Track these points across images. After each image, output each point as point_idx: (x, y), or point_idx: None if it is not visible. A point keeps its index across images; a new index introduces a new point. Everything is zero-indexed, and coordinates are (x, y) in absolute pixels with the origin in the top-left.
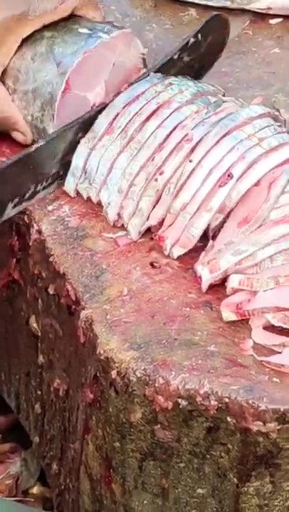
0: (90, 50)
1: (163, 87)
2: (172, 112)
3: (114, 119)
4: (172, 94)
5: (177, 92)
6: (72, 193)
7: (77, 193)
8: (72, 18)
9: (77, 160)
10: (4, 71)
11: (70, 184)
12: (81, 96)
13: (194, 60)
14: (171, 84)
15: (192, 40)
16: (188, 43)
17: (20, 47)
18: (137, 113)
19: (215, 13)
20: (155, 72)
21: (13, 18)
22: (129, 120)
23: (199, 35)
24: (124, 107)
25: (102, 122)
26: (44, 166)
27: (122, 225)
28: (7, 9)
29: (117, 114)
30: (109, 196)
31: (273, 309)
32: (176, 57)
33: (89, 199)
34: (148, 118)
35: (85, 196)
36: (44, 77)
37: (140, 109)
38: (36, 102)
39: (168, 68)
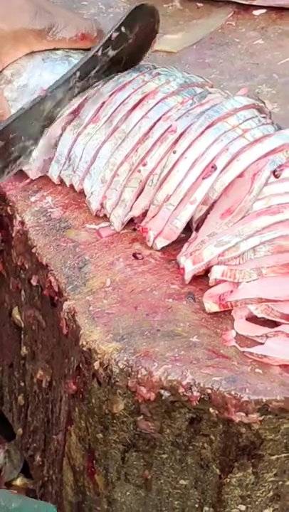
0: None
1: (150, 76)
2: (157, 103)
3: (100, 107)
4: (159, 84)
5: (164, 82)
6: (56, 180)
7: (61, 181)
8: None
9: (62, 147)
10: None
11: (53, 171)
12: None
13: (121, 54)
14: (158, 74)
15: (115, 33)
16: (110, 37)
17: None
18: (122, 102)
19: (142, 2)
20: (78, 70)
21: (32, 32)
22: (115, 109)
23: (123, 28)
24: (110, 96)
25: (88, 110)
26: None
27: (105, 216)
28: (30, 22)
29: (104, 103)
30: (92, 185)
31: (256, 300)
32: (99, 53)
33: (72, 187)
34: (133, 108)
35: (67, 183)
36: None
37: (126, 98)
38: (32, 96)
39: (92, 66)
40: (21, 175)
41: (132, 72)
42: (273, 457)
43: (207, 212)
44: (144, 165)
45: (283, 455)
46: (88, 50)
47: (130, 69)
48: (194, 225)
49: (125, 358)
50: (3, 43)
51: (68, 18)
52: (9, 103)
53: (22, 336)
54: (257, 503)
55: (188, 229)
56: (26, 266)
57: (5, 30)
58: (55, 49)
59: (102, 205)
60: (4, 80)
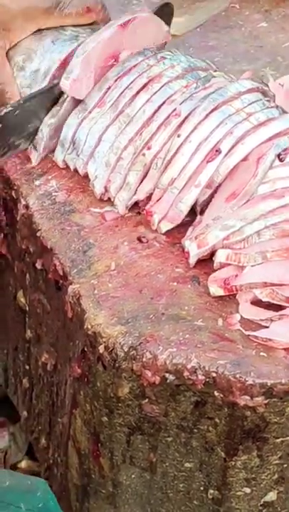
0: None
1: (155, 60)
2: (162, 87)
3: (106, 92)
4: (163, 68)
5: (169, 66)
6: (61, 164)
7: (66, 164)
8: (94, 23)
9: (67, 131)
10: (14, 48)
11: (58, 155)
12: None
13: None
14: (163, 58)
15: None
16: None
17: (39, 32)
18: (127, 86)
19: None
20: None
21: (40, 9)
22: (120, 93)
23: None
24: (116, 80)
25: (94, 95)
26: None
27: (109, 200)
28: (37, 0)
29: (109, 88)
30: (97, 169)
31: (261, 284)
32: None
33: (76, 171)
34: (138, 92)
35: (72, 167)
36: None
37: (131, 82)
38: (44, 81)
39: None
40: (24, 156)
41: (137, 56)
42: (278, 440)
43: (212, 196)
44: (149, 148)
45: (288, 438)
46: (93, 23)
47: (135, 53)
48: (199, 209)
49: (130, 342)
50: (12, 21)
51: None
52: (23, 90)
53: (27, 319)
54: (262, 485)
55: (193, 212)
56: (31, 249)
57: (13, 9)
58: (62, 27)
59: (106, 189)
60: (16, 66)
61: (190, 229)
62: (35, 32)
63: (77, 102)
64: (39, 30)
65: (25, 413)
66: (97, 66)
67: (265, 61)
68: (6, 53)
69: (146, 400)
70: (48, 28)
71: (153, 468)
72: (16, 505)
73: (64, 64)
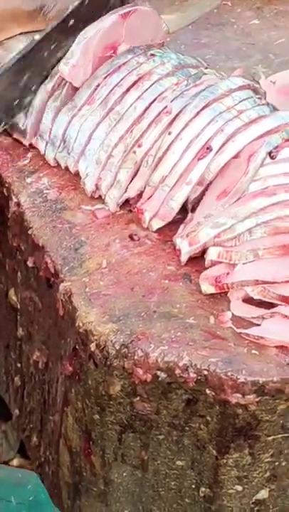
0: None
1: (145, 58)
2: (152, 84)
3: (95, 89)
4: (154, 65)
5: (159, 63)
6: (52, 162)
7: (57, 163)
8: None
9: (57, 129)
10: None
11: (49, 153)
12: None
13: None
14: (153, 55)
15: None
16: None
17: (23, 34)
18: (117, 84)
19: None
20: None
21: (24, 13)
22: (110, 91)
23: None
24: (105, 78)
25: (83, 92)
26: None
27: (101, 197)
28: (22, 3)
29: (98, 85)
30: (87, 167)
31: (252, 282)
32: None
33: (67, 169)
34: (128, 89)
35: (62, 165)
36: None
37: (121, 80)
38: None
39: None
40: (15, 154)
41: (127, 54)
42: (270, 438)
43: (203, 193)
44: (140, 146)
45: (280, 436)
46: None
47: (125, 51)
48: (190, 206)
49: (122, 340)
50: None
51: None
52: None
53: (18, 317)
54: (253, 483)
55: (184, 210)
56: (22, 247)
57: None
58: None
59: (97, 187)
60: None
61: (181, 226)
62: (19, 34)
63: (74, 89)
64: (23, 33)
65: (16, 411)
66: (96, 55)
67: (257, 58)
68: None
69: (138, 398)
70: (32, 31)
71: (144, 466)
72: (7, 500)
73: None
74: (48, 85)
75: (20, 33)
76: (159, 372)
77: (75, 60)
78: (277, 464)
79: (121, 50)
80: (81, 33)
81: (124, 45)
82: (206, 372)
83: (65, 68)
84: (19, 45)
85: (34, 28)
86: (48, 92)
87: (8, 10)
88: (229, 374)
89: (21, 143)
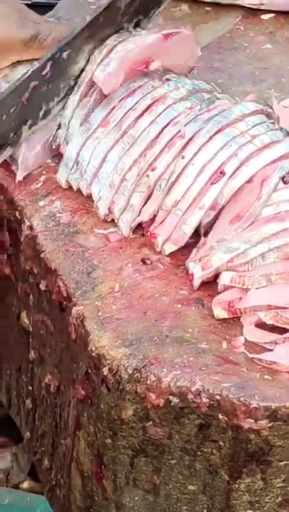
0: None
1: (160, 82)
2: (166, 108)
3: (110, 112)
4: (168, 90)
5: (173, 88)
6: (64, 184)
7: (69, 185)
8: None
9: (71, 150)
10: None
11: (62, 174)
12: None
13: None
14: (168, 80)
15: None
16: None
17: (18, 63)
18: (132, 107)
19: None
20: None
21: (19, 41)
22: (124, 114)
23: None
24: (120, 101)
25: (98, 114)
26: None
27: (113, 221)
28: (17, 31)
29: (113, 108)
30: (100, 190)
31: (265, 307)
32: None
33: (79, 191)
34: (142, 113)
35: (75, 188)
36: None
37: (135, 103)
38: None
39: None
40: (28, 177)
41: (142, 77)
42: (282, 463)
43: (215, 218)
44: (153, 170)
45: None
46: None
47: (140, 75)
48: (203, 231)
49: (134, 364)
50: (13, 47)
51: (51, 26)
52: None
53: (30, 340)
54: (265, 508)
55: (197, 234)
56: (35, 270)
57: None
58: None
59: (110, 210)
60: None
61: (194, 251)
62: (14, 63)
63: (103, 96)
64: (18, 62)
65: (28, 434)
66: (129, 67)
67: (270, 83)
68: None
69: (150, 423)
70: (27, 60)
71: (156, 491)
72: None
73: None
74: (76, 96)
75: (17, 62)
76: (171, 397)
77: (111, 69)
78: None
79: (153, 66)
80: (120, 44)
81: (158, 62)
82: (218, 398)
83: (101, 75)
84: (15, 74)
85: (30, 57)
86: (76, 101)
87: (3, 39)
88: (242, 399)
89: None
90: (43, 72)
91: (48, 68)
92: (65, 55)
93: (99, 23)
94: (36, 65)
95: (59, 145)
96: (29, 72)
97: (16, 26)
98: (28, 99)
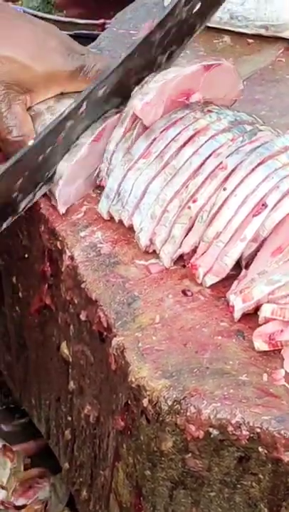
0: None
1: (201, 113)
2: (208, 140)
3: (151, 143)
4: (210, 121)
5: (215, 119)
6: (105, 215)
7: (110, 216)
8: None
9: (112, 182)
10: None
11: (103, 206)
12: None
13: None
14: (210, 111)
15: None
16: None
17: (62, 95)
18: (173, 138)
19: None
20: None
21: (63, 73)
22: (166, 145)
23: None
24: (162, 132)
25: (140, 146)
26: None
27: (154, 252)
28: (63, 64)
29: (155, 139)
30: (142, 221)
31: None
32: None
33: (121, 222)
34: (184, 144)
35: (116, 219)
36: None
37: (177, 134)
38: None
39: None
40: (70, 208)
41: (184, 109)
42: None
43: (257, 250)
44: (195, 201)
45: None
46: None
47: (182, 106)
48: (244, 262)
49: (174, 396)
50: (36, 83)
51: (96, 58)
52: None
53: (70, 370)
54: None
55: (238, 266)
56: (75, 301)
57: (38, 71)
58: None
59: (151, 241)
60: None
61: (235, 283)
62: (58, 94)
63: (145, 129)
64: (62, 93)
65: (66, 464)
66: (170, 98)
67: None
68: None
69: (190, 455)
70: (73, 92)
71: None
72: None
73: None
74: (120, 129)
75: (61, 93)
76: (211, 429)
77: (149, 98)
78: None
79: (194, 98)
80: (160, 74)
81: (199, 94)
82: (258, 430)
83: (139, 104)
84: (60, 106)
85: (74, 89)
86: (120, 135)
87: (48, 71)
88: (282, 432)
89: None
90: (79, 111)
91: (83, 107)
92: (100, 92)
93: (134, 58)
94: (73, 104)
95: (102, 179)
96: (66, 112)
97: (63, 58)
98: (63, 138)
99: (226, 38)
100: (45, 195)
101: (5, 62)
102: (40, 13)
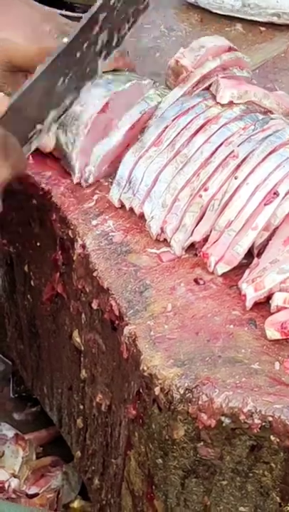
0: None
1: (213, 101)
2: (220, 128)
3: (163, 131)
4: (222, 109)
5: (227, 107)
6: (116, 203)
7: (122, 204)
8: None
9: (123, 169)
10: None
11: (114, 193)
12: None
13: None
14: None
15: None
16: None
17: None
18: (185, 126)
19: None
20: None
21: None
22: (178, 133)
23: None
24: (173, 120)
25: (151, 133)
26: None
27: (165, 240)
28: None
29: (166, 127)
30: (153, 210)
31: None
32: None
33: (132, 210)
34: (196, 132)
35: (127, 206)
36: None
37: (189, 122)
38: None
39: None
40: (81, 196)
41: (196, 97)
42: None
43: (269, 239)
44: (206, 190)
45: None
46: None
47: (194, 94)
48: (256, 251)
49: (186, 384)
50: (30, 65)
51: None
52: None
53: (82, 359)
54: None
55: (250, 255)
56: (87, 289)
57: (31, 53)
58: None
59: (162, 230)
60: None
61: (247, 271)
62: None
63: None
64: None
65: (78, 453)
66: None
67: None
68: None
69: (202, 443)
70: None
71: None
72: None
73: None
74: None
75: None
76: (223, 418)
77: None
78: None
79: None
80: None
81: None
82: (270, 419)
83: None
84: None
85: None
86: None
87: (42, 54)
88: None
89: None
90: (111, 2)
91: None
92: None
93: None
94: None
95: None
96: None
97: (56, 42)
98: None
99: (238, 26)
100: (57, 178)
101: (1, 43)
102: None
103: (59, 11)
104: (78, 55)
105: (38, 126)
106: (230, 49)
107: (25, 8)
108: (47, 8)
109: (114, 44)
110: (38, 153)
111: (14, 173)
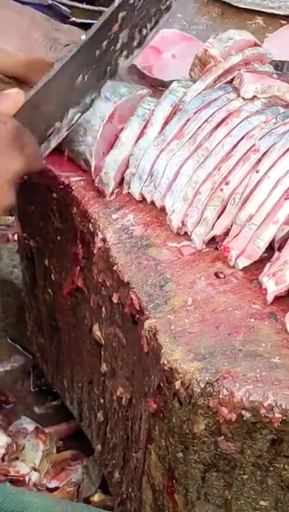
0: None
1: (235, 95)
2: (241, 121)
3: (184, 124)
4: (243, 102)
5: (248, 101)
6: (137, 196)
7: (142, 198)
8: None
9: (145, 162)
10: None
11: (135, 186)
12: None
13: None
14: None
15: None
16: None
17: None
18: (207, 120)
19: None
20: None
21: (47, 63)
22: (199, 126)
23: None
24: (195, 113)
25: (173, 126)
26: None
27: (186, 234)
28: (45, 54)
29: (188, 120)
30: (174, 203)
31: None
32: None
33: (153, 204)
34: (217, 126)
35: (148, 200)
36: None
37: (211, 115)
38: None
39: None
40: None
41: (218, 90)
42: None
43: None
44: (227, 184)
45: None
46: None
47: (216, 87)
48: (276, 245)
49: (207, 378)
50: (17, 69)
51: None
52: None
53: (102, 352)
54: None
55: (271, 249)
56: (107, 283)
57: (20, 61)
58: None
59: (183, 223)
60: None
61: (268, 265)
62: None
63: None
64: None
65: (99, 447)
66: None
67: None
68: None
69: (222, 437)
70: None
71: (228, 506)
72: None
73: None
74: None
75: None
76: (244, 412)
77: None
78: None
79: None
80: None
81: None
82: None
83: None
84: None
85: None
86: None
87: (31, 61)
88: None
89: None
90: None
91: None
92: None
93: None
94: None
95: None
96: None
97: (44, 49)
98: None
99: (259, 19)
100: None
101: None
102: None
103: (79, 5)
104: (97, 53)
105: (57, 124)
106: (255, 44)
107: (13, 15)
108: (38, 13)
109: (135, 44)
110: (55, 152)
111: (28, 168)
